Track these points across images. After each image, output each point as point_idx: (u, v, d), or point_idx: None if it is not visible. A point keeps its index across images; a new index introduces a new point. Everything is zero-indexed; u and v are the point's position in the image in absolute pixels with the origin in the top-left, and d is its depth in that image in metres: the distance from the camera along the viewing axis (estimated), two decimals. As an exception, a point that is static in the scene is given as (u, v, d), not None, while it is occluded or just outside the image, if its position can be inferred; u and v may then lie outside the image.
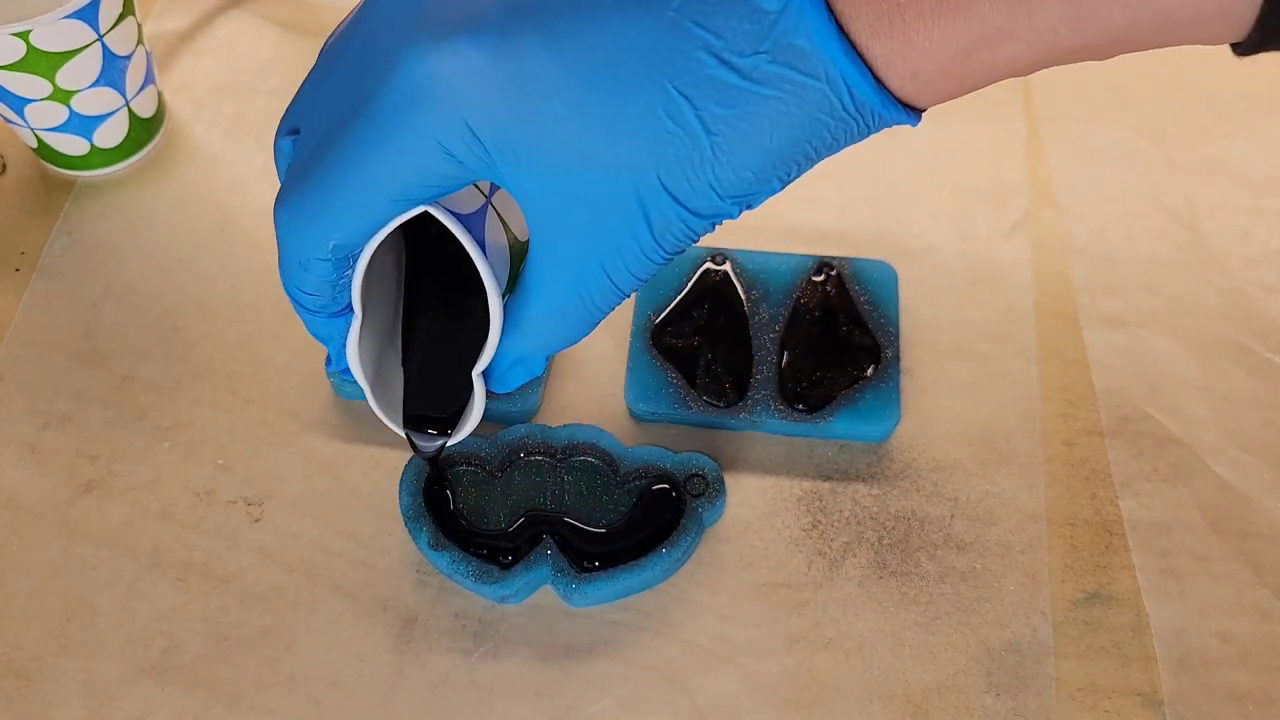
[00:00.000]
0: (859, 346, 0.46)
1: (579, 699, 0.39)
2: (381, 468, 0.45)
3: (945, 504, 0.44)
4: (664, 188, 0.29)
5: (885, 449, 0.45)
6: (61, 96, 0.50)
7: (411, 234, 0.38)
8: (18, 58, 0.48)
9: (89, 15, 0.48)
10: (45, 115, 0.51)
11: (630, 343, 0.47)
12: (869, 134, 0.29)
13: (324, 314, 0.34)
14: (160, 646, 0.41)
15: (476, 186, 0.34)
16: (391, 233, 0.37)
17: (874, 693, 0.39)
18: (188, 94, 0.58)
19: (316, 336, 0.35)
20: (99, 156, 0.54)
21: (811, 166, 0.30)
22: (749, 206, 0.30)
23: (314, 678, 0.40)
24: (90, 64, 0.50)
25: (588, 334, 0.33)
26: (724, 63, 0.27)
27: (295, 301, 0.34)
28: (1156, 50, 0.63)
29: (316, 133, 0.31)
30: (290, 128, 0.33)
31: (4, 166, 0.55)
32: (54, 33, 0.47)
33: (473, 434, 0.43)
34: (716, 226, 0.30)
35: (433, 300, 0.39)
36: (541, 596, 0.41)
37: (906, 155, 0.55)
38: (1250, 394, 0.46)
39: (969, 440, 0.45)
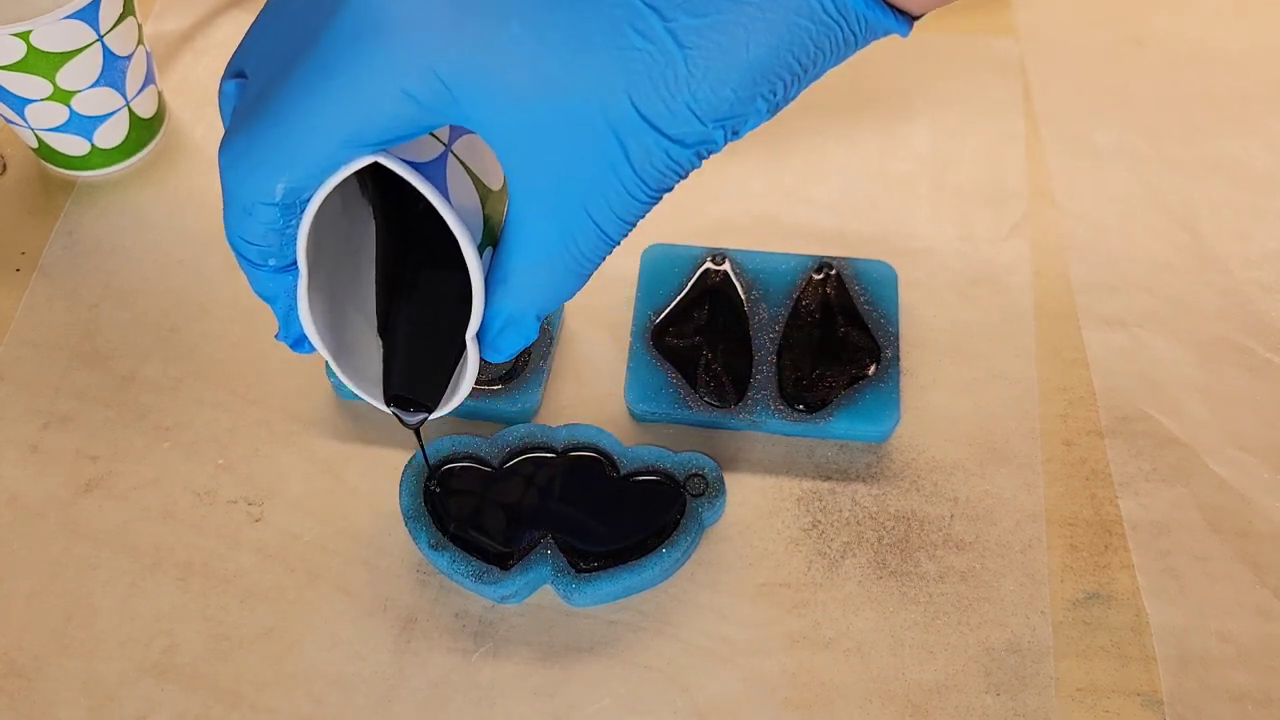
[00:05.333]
0: (859, 346, 0.46)
1: (579, 699, 0.39)
2: (381, 468, 0.45)
3: (945, 504, 0.44)
4: (638, 112, 0.27)
5: (885, 449, 0.45)
6: (62, 97, 0.50)
7: (381, 195, 0.36)
8: (18, 58, 0.48)
9: (89, 15, 0.48)
10: (46, 115, 0.51)
11: (630, 343, 0.47)
12: (858, 45, 0.27)
13: (268, 269, 0.32)
14: (161, 646, 0.41)
15: (434, 135, 0.32)
16: (355, 193, 0.35)
17: (874, 692, 0.39)
18: (188, 94, 0.58)
19: (261, 295, 0.33)
20: (99, 157, 0.54)
21: (801, 86, 0.28)
22: (735, 134, 0.28)
23: (314, 677, 0.40)
24: (90, 64, 0.50)
25: (579, 287, 0.31)
26: None
27: (238, 253, 0.31)
28: (1157, 50, 0.63)
29: (264, 73, 0.29)
30: (235, 70, 0.31)
31: (4, 167, 0.55)
32: (54, 33, 0.47)
33: (473, 434, 0.44)
34: (704, 159, 0.28)
35: (409, 264, 0.36)
36: (541, 596, 0.41)
37: (906, 155, 0.55)
38: (1250, 394, 0.46)
39: (968, 440, 0.45)
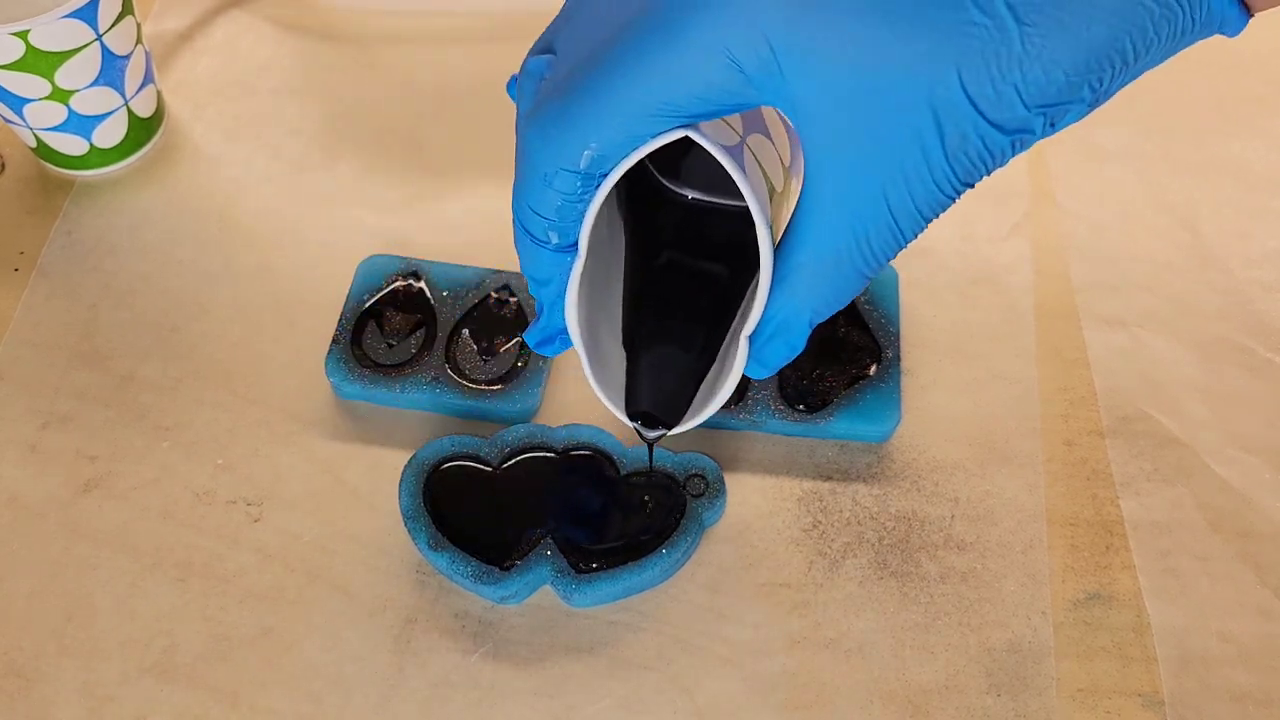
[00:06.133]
0: (859, 346, 0.46)
1: (579, 699, 0.39)
2: (381, 468, 0.45)
3: (945, 504, 0.44)
4: (964, 90, 0.26)
5: (885, 449, 0.45)
6: (60, 96, 0.50)
7: (632, 208, 0.35)
8: (17, 57, 0.48)
9: (88, 15, 0.48)
10: (44, 115, 0.51)
11: (630, 343, 0.47)
12: (1191, 37, 0.27)
13: (549, 248, 0.31)
14: (160, 646, 0.41)
15: (730, 126, 0.32)
16: (611, 204, 0.34)
17: (874, 693, 0.39)
18: (187, 94, 0.58)
19: (534, 277, 0.32)
20: (98, 156, 0.54)
21: (1125, 79, 0.27)
22: (1053, 126, 0.27)
23: (314, 677, 0.40)
24: (89, 63, 0.49)
25: (858, 292, 0.30)
26: None
27: (522, 227, 0.31)
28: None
29: (581, 47, 0.29)
30: (544, 47, 0.30)
31: (3, 166, 0.55)
32: (53, 32, 0.47)
33: (473, 434, 0.44)
34: (1015, 152, 0.27)
35: (660, 281, 0.36)
36: (541, 597, 0.41)
37: (906, 155, 0.55)
38: (1250, 394, 0.46)
39: (969, 440, 0.45)
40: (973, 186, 0.28)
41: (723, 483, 0.42)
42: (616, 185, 0.30)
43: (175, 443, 0.46)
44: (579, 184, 0.29)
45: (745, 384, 0.45)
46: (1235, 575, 0.42)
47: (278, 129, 0.57)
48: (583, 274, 0.32)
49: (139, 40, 0.52)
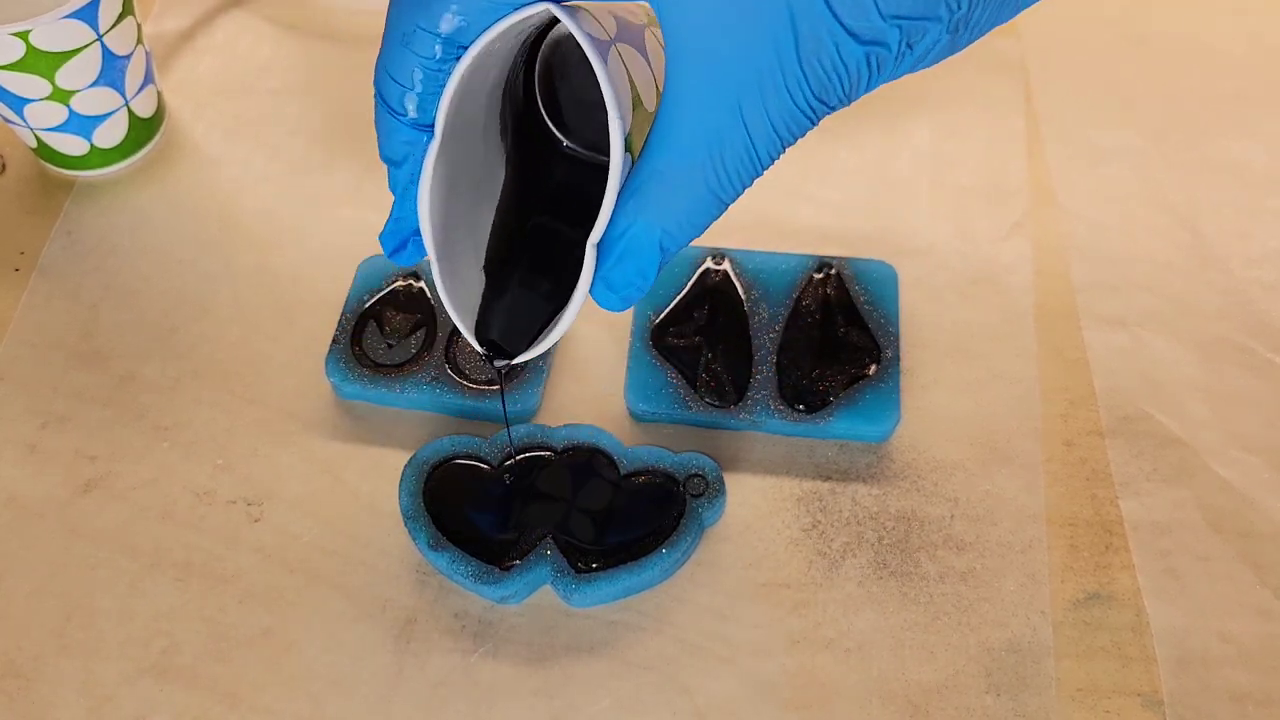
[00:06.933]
0: (859, 346, 0.46)
1: (579, 699, 0.39)
2: (381, 468, 0.45)
3: (945, 504, 0.44)
4: None
5: (885, 449, 0.45)
6: (61, 96, 0.50)
7: (518, 146, 0.35)
8: (17, 57, 0.48)
9: (88, 15, 0.48)
10: (45, 115, 0.51)
11: (630, 343, 0.47)
12: None
13: (405, 121, 0.30)
14: (160, 646, 0.41)
15: (602, 25, 0.31)
16: (495, 136, 0.34)
17: (874, 693, 0.39)
18: (187, 94, 0.58)
19: (388, 156, 0.32)
20: (98, 156, 0.54)
21: (990, 12, 0.27)
22: (910, 49, 0.27)
23: (314, 678, 0.40)
24: (90, 64, 0.50)
25: (712, 218, 0.30)
26: None
27: (380, 96, 0.31)
28: (1158, 50, 0.63)
29: None
30: None
31: (4, 166, 0.55)
32: (53, 32, 0.47)
33: (471, 434, 0.44)
34: (872, 73, 0.27)
35: (533, 217, 0.36)
36: (541, 597, 0.41)
37: (907, 155, 0.55)
38: (1251, 394, 0.46)
39: (969, 440, 0.45)
40: (830, 108, 0.28)
41: (723, 483, 0.42)
42: (504, 121, 0.29)
43: (175, 443, 0.46)
44: (438, 48, 0.29)
45: (745, 383, 0.45)
46: (1235, 575, 0.42)
47: (278, 129, 0.57)
48: (438, 164, 0.31)
49: (139, 40, 0.52)
